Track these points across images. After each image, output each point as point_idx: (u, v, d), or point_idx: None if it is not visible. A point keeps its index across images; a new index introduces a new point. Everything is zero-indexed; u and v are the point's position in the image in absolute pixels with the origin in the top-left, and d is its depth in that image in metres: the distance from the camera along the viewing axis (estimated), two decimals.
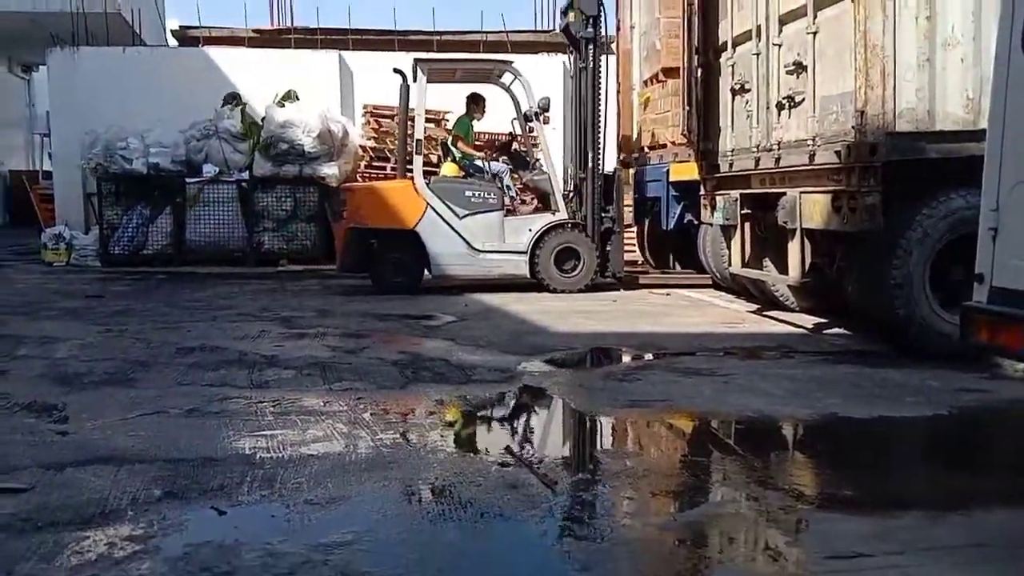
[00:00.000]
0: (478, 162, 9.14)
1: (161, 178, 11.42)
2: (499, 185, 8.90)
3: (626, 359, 5.77)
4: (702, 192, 7.62)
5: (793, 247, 6.00)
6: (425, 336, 6.26)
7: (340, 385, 4.60)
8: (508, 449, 3.55)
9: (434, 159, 10.33)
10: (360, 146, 12.13)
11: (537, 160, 9.16)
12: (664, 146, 9.12)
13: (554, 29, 8.80)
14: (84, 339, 6.01)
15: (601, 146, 8.67)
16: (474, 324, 6.70)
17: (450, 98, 10.25)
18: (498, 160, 9.36)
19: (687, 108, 7.52)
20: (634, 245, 10.40)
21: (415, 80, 8.67)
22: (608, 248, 8.66)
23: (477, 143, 9.67)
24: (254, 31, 16.26)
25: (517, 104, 9.05)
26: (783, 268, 6.38)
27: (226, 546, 2.49)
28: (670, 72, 8.73)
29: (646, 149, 9.74)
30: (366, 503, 2.89)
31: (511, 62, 9.22)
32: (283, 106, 11.69)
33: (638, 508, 2.94)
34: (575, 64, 8.72)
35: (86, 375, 4.84)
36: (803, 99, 5.76)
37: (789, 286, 6.82)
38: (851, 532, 2.62)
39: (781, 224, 6.04)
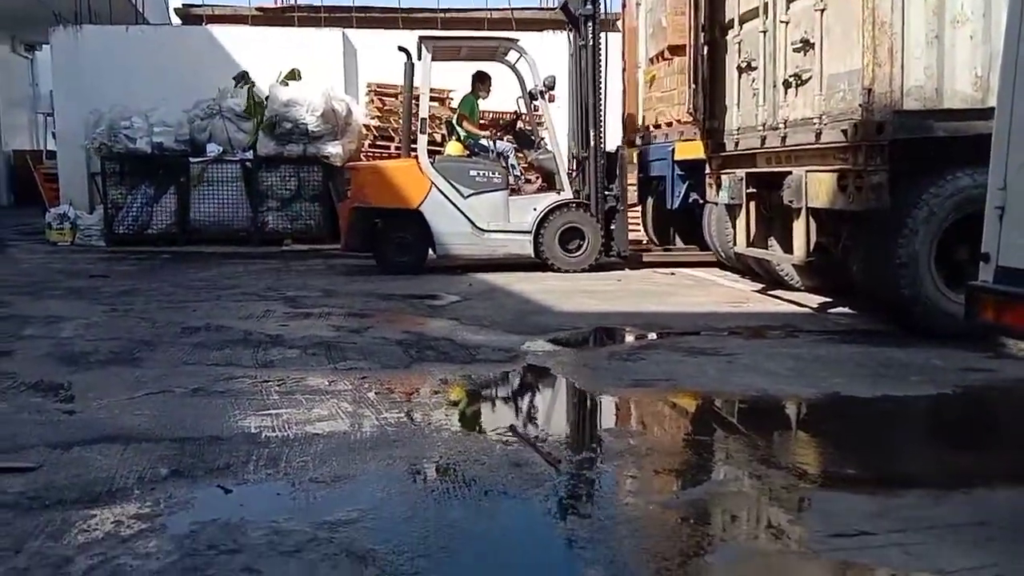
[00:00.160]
0: (483, 141, 9.12)
1: (165, 157, 11.40)
2: (504, 164, 8.88)
3: (630, 339, 5.78)
4: (707, 171, 7.59)
5: (798, 226, 5.98)
6: (429, 316, 6.27)
7: (345, 364, 4.61)
8: (512, 428, 3.56)
9: (439, 138, 10.30)
10: (364, 125, 12.09)
11: (542, 139, 9.13)
12: (669, 124, 9.06)
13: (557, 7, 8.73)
14: (89, 319, 6.03)
15: (603, 124, 8.63)
16: (478, 304, 6.71)
17: (455, 76, 10.21)
18: (503, 139, 9.32)
19: (693, 86, 7.46)
20: (639, 224, 10.38)
21: (419, 58, 8.62)
22: (612, 227, 8.64)
23: (482, 122, 9.63)
24: (257, 9, 16.19)
25: (522, 82, 9.00)
26: (788, 247, 6.36)
27: (232, 524, 2.51)
28: (676, 50, 8.66)
29: (651, 128, 9.69)
30: (371, 481, 2.91)
31: (516, 40, 9.16)
32: (287, 85, 11.65)
33: (641, 487, 2.95)
34: (575, 42, 8.66)
35: (92, 354, 4.86)
36: (810, 77, 5.72)
37: (794, 265, 6.80)
38: (854, 510, 2.63)
39: (787, 203, 6.01)
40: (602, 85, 8.61)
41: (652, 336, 5.69)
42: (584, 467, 3.13)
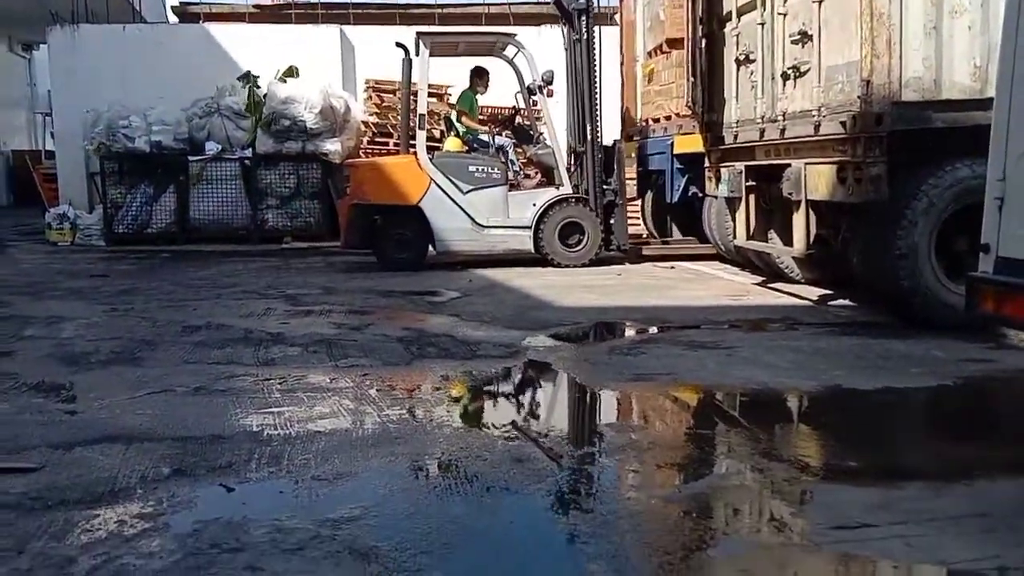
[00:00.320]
0: (482, 136, 9.11)
1: (164, 156, 11.40)
2: (503, 160, 8.87)
3: (631, 333, 5.78)
4: (707, 164, 7.59)
5: (798, 219, 5.98)
6: (430, 312, 6.27)
7: (346, 362, 4.61)
8: (514, 423, 3.57)
9: (437, 134, 10.29)
10: (362, 122, 12.08)
11: (541, 134, 9.12)
12: (668, 118, 9.06)
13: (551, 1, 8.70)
14: (90, 318, 6.04)
15: (599, 119, 8.61)
16: (478, 300, 6.71)
17: (453, 72, 10.19)
18: (501, 134, 9.31)
19: (691, 79, 7.46)
20: (638, 218, 10.38)
21: (417, 54, 8.61)
22: (612, 221, 8.64)
23: (481, 117, 9.61)
24: (254, 6, 16.13)
25: (520, 77, 8.99)
26: (788, 240, 6.36)
27: (235, 522, 2.52)
28: (674, 43, 8.65)
29: (650, 121, 9.68)
30: (373, 478, 2.91)
31: (514, 35, 9.14)
32: (285, 82, 11.63)
33: (643, 481, 2.95)
34: (569, 37, 8.65)
35: (93, 354, 4.87)
36: (808, 69, 5.71)
37: (794, 258, 6.80)
38: (855, 502, 2.63)
39: (786, 196, 6.01)
40: (597, 79, 8.60)
41: (652, 330, 5.69)
42: (586, 462, 3.14)
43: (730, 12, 6.86)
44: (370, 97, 12.29)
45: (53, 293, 7.37)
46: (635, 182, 10.03)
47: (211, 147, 11.52)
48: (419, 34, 8.77)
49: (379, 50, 11.06)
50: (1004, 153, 3.15)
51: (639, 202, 10.33)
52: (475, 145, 8.99)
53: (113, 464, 3.03)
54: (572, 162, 8.82)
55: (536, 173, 9.37)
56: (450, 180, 8.49)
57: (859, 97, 5.14)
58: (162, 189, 11.51)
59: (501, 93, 9.76)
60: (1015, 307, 3.07)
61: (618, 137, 9.97)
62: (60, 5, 13.60)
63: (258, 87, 11.57)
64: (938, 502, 2.66)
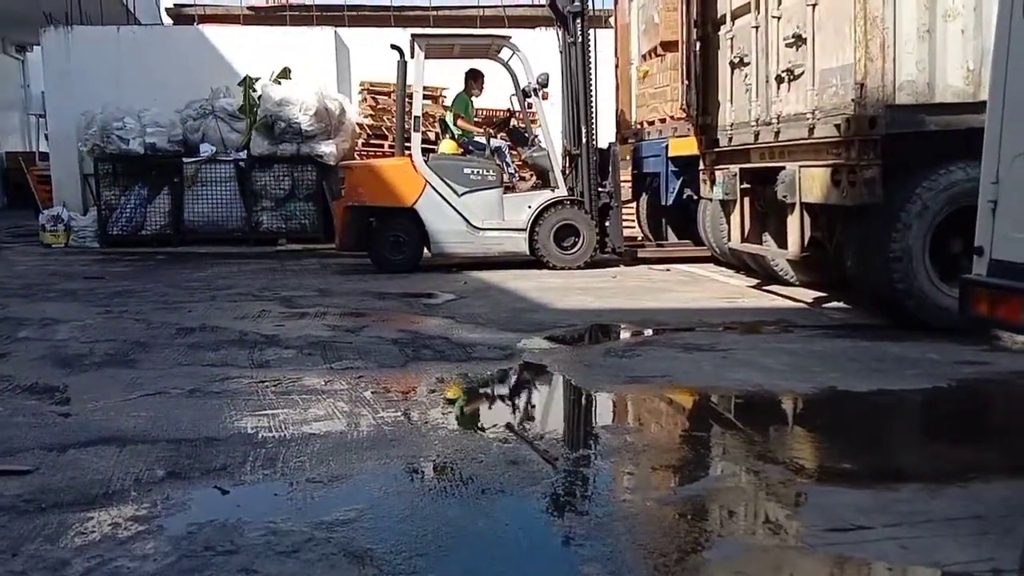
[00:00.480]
0: (477, 139, 9.11)
1: (158, 158, 11.37)
2: (498, 162, 8.88)
3: (626, 335, 5.78)
4: (701, 167, 7.59)
5: (792, 221, 5.99)
6: (425, 314, 6.27)
7: (341, 364, 4.61)
8: (509, 426, 3.57)
9: (432, 136, 10.29)
10: (357, 123, 12.08)
11: (536, 136, 9.13)
12: (663, 121, 9.08)
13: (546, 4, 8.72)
14: (84, 321, 6.02)
15: (594, 121, 8.62)
16: (474, 302, 6.71)
17: (448, 74, 10.19)
18: (497, 137, 9.31)
19: (686, 82, 7.47)
20: (633, 221, 10.39)
21: (412, 56, 8.61)
22: (607, 224, 8.65)
23: (476, 120, 9.62)
24: (249, 8, 16.14)
25: (515, 80, 9.00)
26: (782, 242, 6.37)
27: (229, 525, 2.51)
28: (669, 46, 8.67)
29: (644, 124, 9.70)
30: (368, 481, 2.91)
31: (509, 37, 9.16)
32: (279, 84, 11.62)
33: (638, 483, 2.96)
34: (564, 39, 8.66)
35: (87, 356, 4.85)
36: (802, 72, 5.73)
37: (788, 260, 6.81)
38: (850, 505, 2.64)
39: (780, 198, 6.02)
40: (592, 82, 8.61)
41: (648, 332, 5.70)
42: (581, 464, 3.14)
43: (724, 15, 6.87)
44: (365, 99, 12.29)
45: (47, 295, 7.35)
46: (630, 185, 10.04)
47: (205, 149, 11.51)
48: (414, 36, 8.78)
49: (374, 52, 11.06)
50: (997, 156, 3.17)
51: (634, 205, 10.34)
52: (470, 147, 8.99)
53: (107, 466, 3.02)
54: (567, 165, 8.84)
55: (531, 175, 9.39)
56: (445, 182, 8.49)
57: (853, 100, 5.15)
58: (156, 191, 11.49)
59: (496, 96, 9.77)
60: (1009, 309, 3.08)
61: (613, 140, 9.99)
62: (54, 6, 13.56)
63: (254, 90, 11.56)
64: (933, 504, 2.66)
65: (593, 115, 8.60)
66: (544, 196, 8.63)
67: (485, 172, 8.61)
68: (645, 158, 9.66)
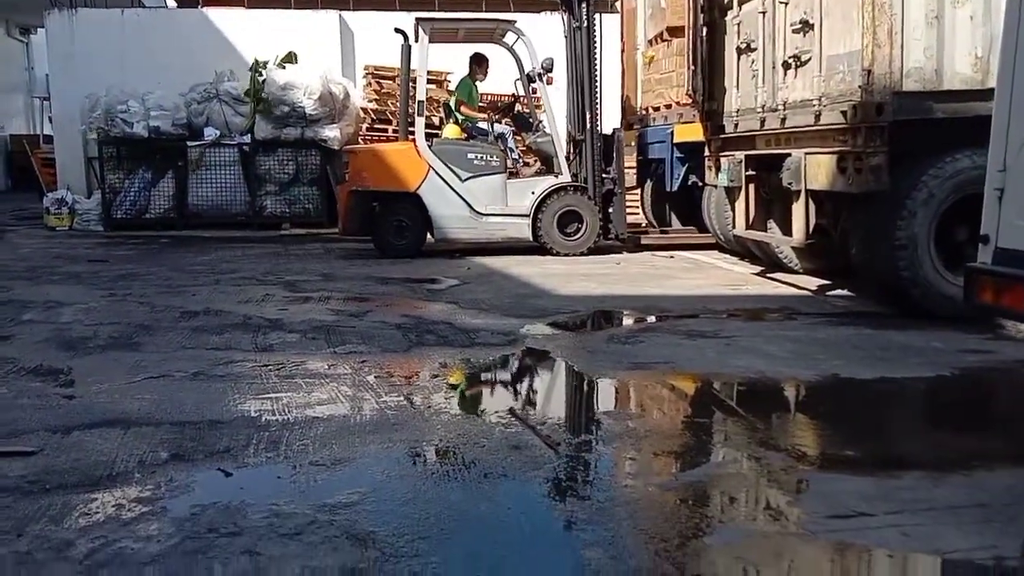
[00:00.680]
0: (481, 124, 9.08)
1: (162, 141, 11.36)
2: (502, 147, 8.85)
3: (629, 322, 5.78)
4: (707, 153, 7.57)
5: (797, 208, 5.97)
6: (428, 299, 6.27)
7: (344, 348, 4.61)
8: (511, 411, 3.57)
9: (436, 121, 10.26)
10: (361, 108, 12.04)
11: (540, 122, 9.09)
12: (668, 106, 9.03)
13: None
14: (88, 303, 6.03)
15: (599, 106, 8.59)
16: (477, 287, 6.71)
17: (452, 58, 10.15)
18: (500, 122, 9.28)
19: (692, 68, 7.43)
20: (638, 207, 10.36)
21: (417, 40, 8.57)
22: (610, 210, 8.63)
23: (480, 105, 9.59)
24: None
25: (520, 64, 8.95)
26: (787, 230, 6.36)
27: (232, 507, 2.52)
28: (675, 31, 8.61)
29: (650, 110, 9.65)
30: (371, 464, 2.92)
31: (514, 21, 9.09)
32: (283, 68, 11.58)
33: (640, 469, 2.96)
34: (569, 24, 8.61)
35: (91, 339, 4.87)
36: (809, 58, 5.69)
37: (793, 248, 6.80)
38: (852, 492, 2.64)
39: (786, 185, 6.00)
40: (597, 67, 8.56)
41: (651, 319, 5.70)
42: (583, 449, 3.14)
43: (731, 0, 6.83)
44: (369, 83, 12.25)
45: (51, 278, 7.36)
46: (635, 171, 10.00)
47: (210, 132, 11.49)
48: (418, 20, 8.72)
49: (378, 36, 11.02)
50: (1004, 144, 3.15)
51: (638, 191, 10.31)
52: (474, 132, 8.97)
53: (111, 448, 3.03)
54: (571, 150, 8.80)
55: (535, 161, 9.36)
56: (449, 167, 8.47)
57: (860, 87, 5.13)
58: (160, 174, 11.48)
59: (500, 80, 9.73)
60: (1014, 298, 3.07)
61: (618, 125, 9.94)
62: None
63: (260, 74, 11.53)
64: (936, 492, 2.66)
65: (598, 101, 8.56)
66: (548, 182, 8.60)
67: (489, 157, 8.58)
68: (650, 144, 9.62)
